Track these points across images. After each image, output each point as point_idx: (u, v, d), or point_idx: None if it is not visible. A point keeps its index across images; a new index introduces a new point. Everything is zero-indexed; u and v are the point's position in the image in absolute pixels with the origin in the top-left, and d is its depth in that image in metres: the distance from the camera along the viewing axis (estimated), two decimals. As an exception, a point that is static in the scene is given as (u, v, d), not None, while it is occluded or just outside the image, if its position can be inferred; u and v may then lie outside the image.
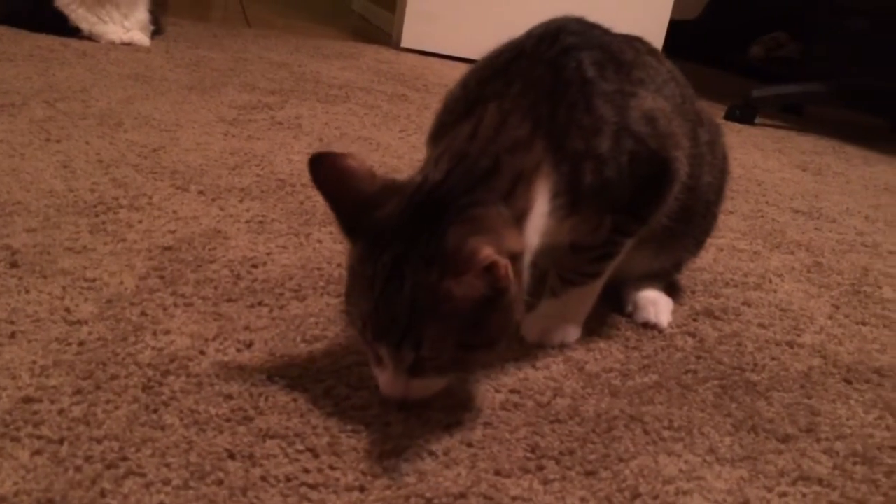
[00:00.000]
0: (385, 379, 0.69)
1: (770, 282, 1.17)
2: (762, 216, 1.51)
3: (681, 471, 0.70)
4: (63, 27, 2.09)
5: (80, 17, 2.11)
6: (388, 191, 0.69)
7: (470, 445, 0.69)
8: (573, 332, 0.90)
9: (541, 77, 0.79)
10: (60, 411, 0.65)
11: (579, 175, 0.77)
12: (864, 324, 1.07)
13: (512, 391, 0.78)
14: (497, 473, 0.66)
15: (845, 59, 2.65)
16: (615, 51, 0.84)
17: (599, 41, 0.84)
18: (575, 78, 0.79)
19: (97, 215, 1.02)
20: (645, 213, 0.85)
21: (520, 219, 0.70)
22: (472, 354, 0.69)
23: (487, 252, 0.61)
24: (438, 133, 0.81)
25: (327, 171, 0.69)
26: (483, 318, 0.65)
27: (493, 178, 0.69)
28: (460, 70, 0.88)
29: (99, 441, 0.62)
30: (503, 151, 0.72)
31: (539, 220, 0.73)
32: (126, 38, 2.15)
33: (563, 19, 0.85)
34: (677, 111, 0.87)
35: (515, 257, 0.67)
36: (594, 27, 0.87)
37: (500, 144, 0.72)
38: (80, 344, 0.74)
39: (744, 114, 2.55)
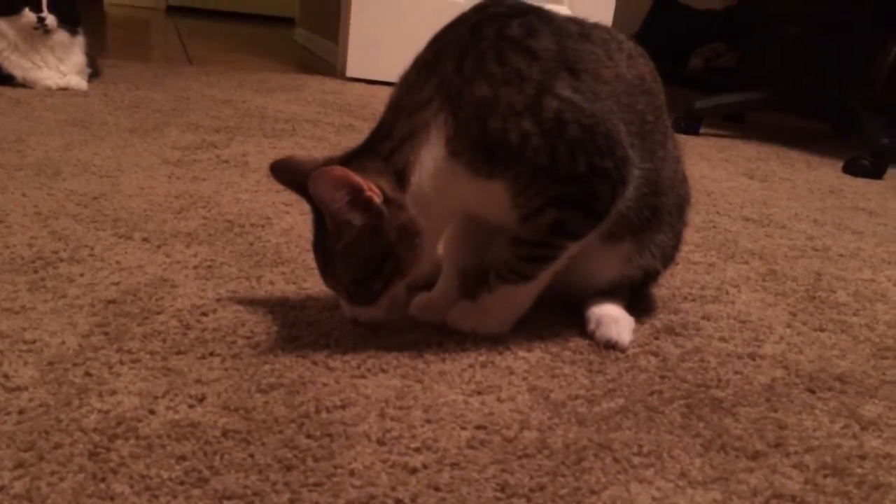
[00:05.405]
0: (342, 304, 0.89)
1: (727, 293, 1.18)
2: (714, 227, 1.53)
3: (653, 498, 0.68)
4: (-5, 75, 2.04)
5: (13, 63, 2.06)
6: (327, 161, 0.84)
7: (437, 489, 0.66)
8: (494, 327, 0.92)
9: (459, 37, 0.84)
10: (1, 488, 0.61)
11: (483, 120, 0.80)
12: (821, 330, 1.07)
13: (478, 427, 0.76)
14: (467, 517, 0.64)
15: (782, 66, 2.71)
16: (558, 21, 0.86)
17: (537, 10, 0.87)
18: (490, 34, 0.82)
19: (36, 271, 0.98)
20: (597, 206, 0.85)
21: (402, 172, 0.80)
22: (371, 285, 0.83)
23: (339, 171, 0.76)
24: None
25: (280, 170, 0.88)
26: (366, 250, 0.80)
27: (382, 143, 0.82)
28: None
29: (43, 518, 0.58)
30: (404, 115, 0.82)
31: (431, 163, 0.80)
32: (62, 82, 2.10)
33: None
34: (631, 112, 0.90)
35: (391, 201, 0.79)
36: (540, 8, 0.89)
37: (404, 108, 0.82)
38: (21, 412, 0.70)
39: (688, 125, 2.59)
